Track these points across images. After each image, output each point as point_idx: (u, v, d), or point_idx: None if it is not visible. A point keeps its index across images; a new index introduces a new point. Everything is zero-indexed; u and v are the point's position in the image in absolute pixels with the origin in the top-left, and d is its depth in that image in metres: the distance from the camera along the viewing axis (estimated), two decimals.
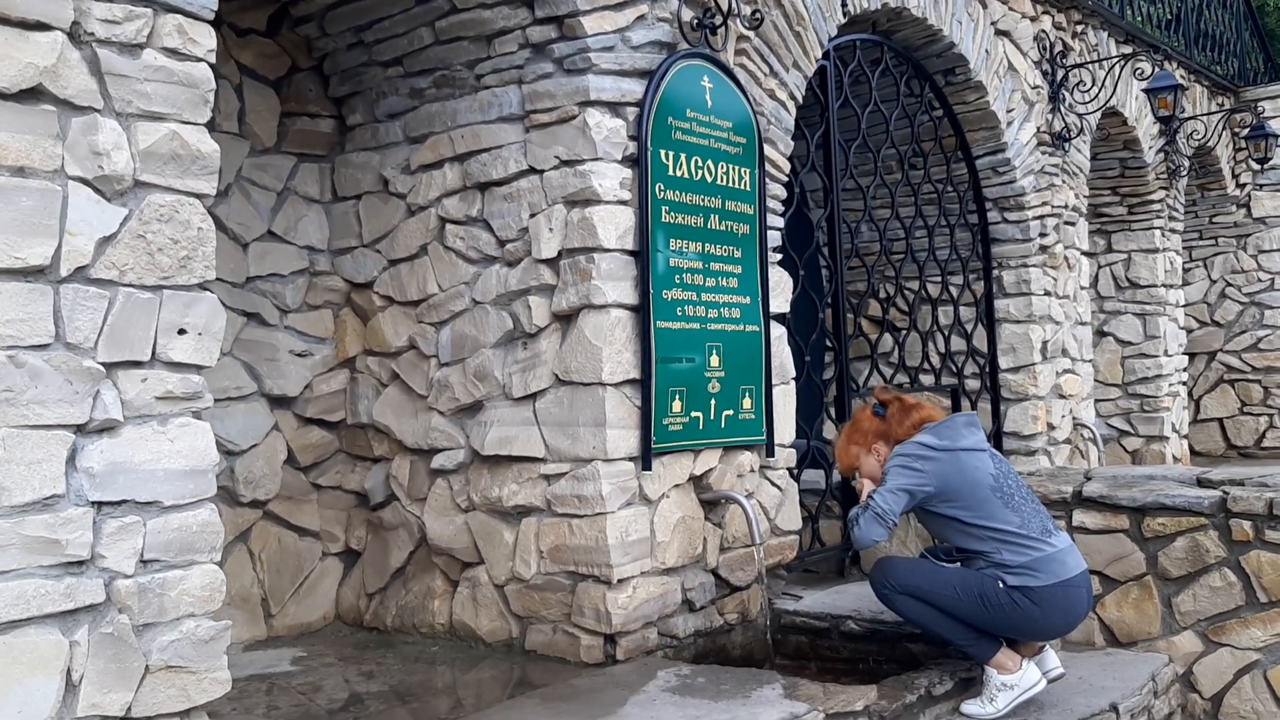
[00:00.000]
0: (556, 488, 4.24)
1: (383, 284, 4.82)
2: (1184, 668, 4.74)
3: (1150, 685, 4.35)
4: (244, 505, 4.66)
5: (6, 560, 2.55)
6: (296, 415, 4.87)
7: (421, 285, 4.68)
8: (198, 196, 2.93)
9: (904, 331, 6.35)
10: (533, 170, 4.32)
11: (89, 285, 2.71)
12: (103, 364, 2.73)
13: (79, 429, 2.69)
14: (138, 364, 2.81)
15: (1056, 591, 3.84)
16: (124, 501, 2.76)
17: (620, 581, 4.13)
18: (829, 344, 5.77)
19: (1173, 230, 9.47)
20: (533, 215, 4.31)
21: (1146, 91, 7.73)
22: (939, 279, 6.61)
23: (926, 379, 6.42)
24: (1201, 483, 5.03)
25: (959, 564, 4.01)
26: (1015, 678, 3.94)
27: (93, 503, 2.70)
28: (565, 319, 4.28)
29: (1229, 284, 10.74)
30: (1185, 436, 9.55)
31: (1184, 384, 9.58)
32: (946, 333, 6.63)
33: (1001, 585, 3.84)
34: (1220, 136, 10.10)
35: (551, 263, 4.27)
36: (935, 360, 6.55)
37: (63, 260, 2.66)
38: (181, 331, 2.90)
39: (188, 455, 2.89)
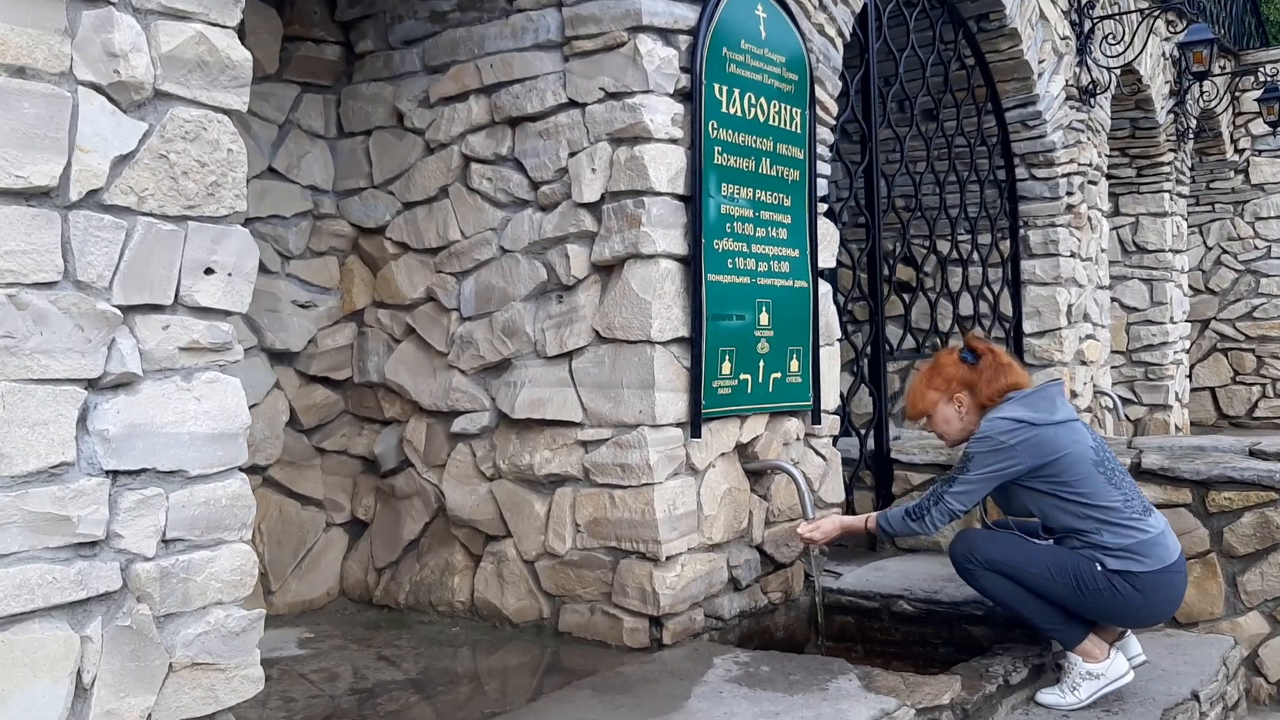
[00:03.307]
0: (596, 455, 3.85)
1: (396, 229, 4.37)
2: (1249, 650, 4.47)
3: (1223, 670, 4.07)
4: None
5: (7, 541, 2.12)
6: (299, 372, 4.42)
7: (441, 231, 4.24)
8: (227, 113, 2.49)
9: (931, 293, 6.01)
10: (573, 104, 3.89)
11: (103, 213, 2.27)
12: (118, 307, 2.29)
13: (91, 384, 2.26)
14: (158, 308, 2.38)
15: (1160, 578, 3.52)
16: (143, 470, 2.34)
17: (669, 559, 3.76)
18: (848, 303, 5.41)
19: (1179, 194, 9.22)
20: (572, 154, 3.89)
21: (1180, 45, 7.43)
22: (965, 238, 6.27)
23: (954, 343, 6.08)
24: (1254, 454, 4.75)
25: (1051, 541, 3.67)
26: (1102, 667, 3.63)
27: (107, 472, 2.27)
28: (606, 270, 3.87)
29: (1225, 251, 10.55)
30: (1186, 405, 9.35)
31: (1185, 352, 9.37)
32: (975, 294, 6.30)
33: (1100, 568, 3.51)
34: (1224, 99, 9.86)
35: (593, 207, 3.86)
36: (952, 323, 6.20)
37: (72, 181, 2.22)
38: (209, 271, 2.47)
39: (216, 416, 2.47)
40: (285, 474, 4.35)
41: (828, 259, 4.54)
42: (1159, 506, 4.59)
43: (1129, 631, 3.84)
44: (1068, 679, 3.66)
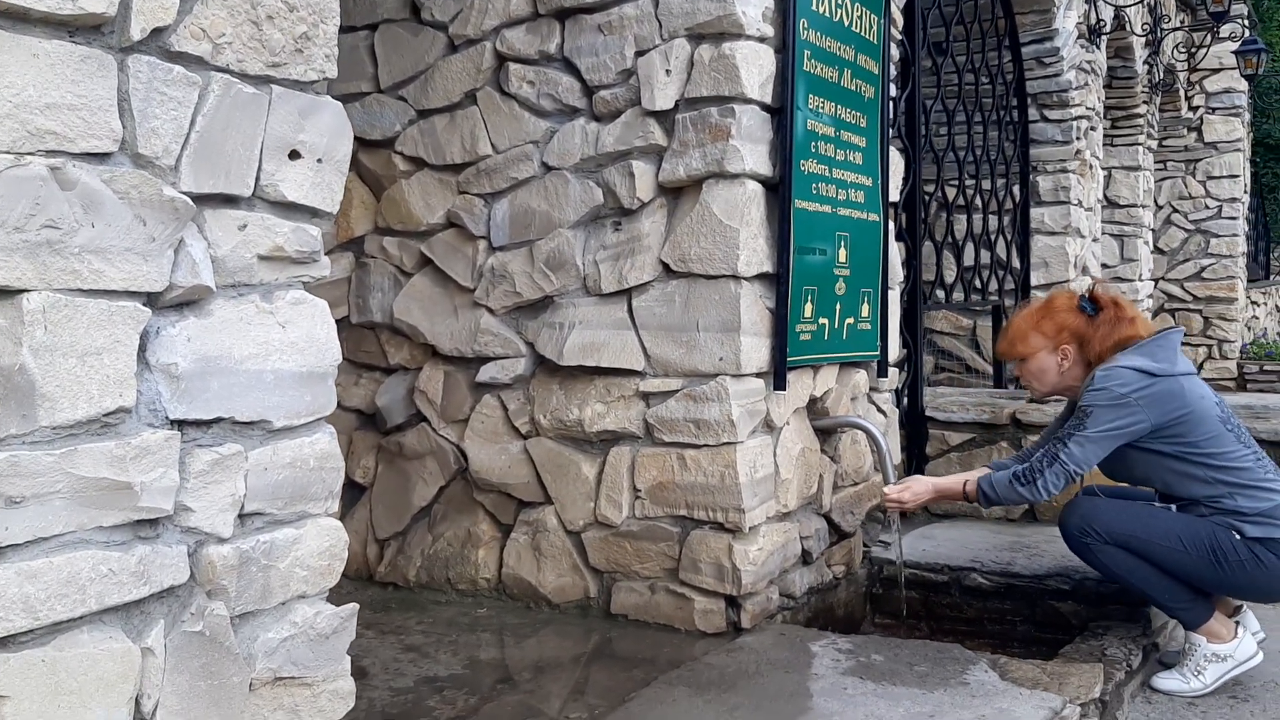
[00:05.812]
0: (662, 410, 3.30)
1: (408, 141, 3.72)
2: None
3: None
4: None
5: (49, 520, 1.49)
6: None
7: (468, 144, 3.60)
8: None
9: (957, 241, 5.54)
10: None
11: (171, 61, 1.63)
12: (188, 194, 1.65)
13: (150, 300, 1.62)
14: (233, 200, 1.75)
15: None
16: (217, 420, 1.72)
17: (751, 529, 3.24)
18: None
19: (1149, 148, 8.98)
20: (641, 53, 3.29)
21: None
22: (972, 183, 5.82)
23: (958, 295, 5.65)
24: None
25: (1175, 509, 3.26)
26: (1229, 647, 3.24)
27: (173, 422, 1.65)
28: (674, 193, 3.30)
29: (1175, 210, 10.40)
30: None
31: (1148, 311, 9.19)
32: (981, 242, 5.87)
33: (1239, 537, 3.11)
34: (1189, 53, 9.66)
35: (663, 116, 3.28)
36: (956, 275, 5.76)
37: (134, 13, 1.57)
38: (294, 155, 1.85)
39: (304, 349, 1.85)
40: None
41: (895, 191, 4.05)
42: None
43: (1244, 606, 3.47)
44: (1190, 662, 3.26)
